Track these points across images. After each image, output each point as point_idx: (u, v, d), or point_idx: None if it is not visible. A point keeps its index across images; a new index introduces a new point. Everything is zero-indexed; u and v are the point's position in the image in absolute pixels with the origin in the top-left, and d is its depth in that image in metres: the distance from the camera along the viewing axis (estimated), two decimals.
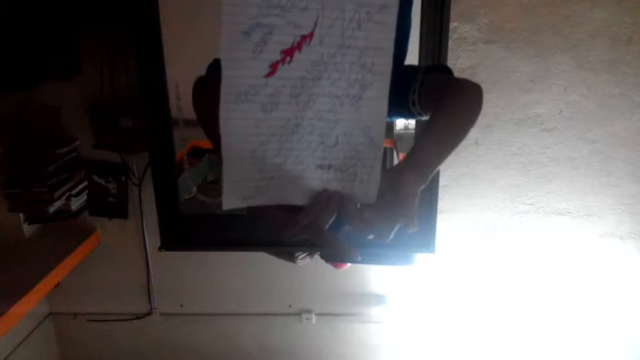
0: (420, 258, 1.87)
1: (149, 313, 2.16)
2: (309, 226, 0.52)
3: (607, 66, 1.74)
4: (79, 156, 1.90)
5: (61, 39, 1.70)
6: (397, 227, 0.55)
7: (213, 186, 1.92)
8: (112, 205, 1.94)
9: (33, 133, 1.84)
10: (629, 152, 1.84)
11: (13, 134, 1.82)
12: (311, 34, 0.49)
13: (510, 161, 1.87)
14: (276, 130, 0.51)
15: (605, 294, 2.03)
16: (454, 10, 1.64)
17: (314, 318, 2.14)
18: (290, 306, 2.15)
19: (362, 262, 1.93)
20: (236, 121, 0.50)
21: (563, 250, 1.98)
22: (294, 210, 0.52)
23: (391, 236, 0.55)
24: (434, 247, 1.82)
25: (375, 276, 2.07)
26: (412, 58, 1.07)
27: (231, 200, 0.51)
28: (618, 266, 1.99)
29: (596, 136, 1.82)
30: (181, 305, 2.16)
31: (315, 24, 0.49)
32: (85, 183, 1.92)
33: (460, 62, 1.74)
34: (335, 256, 1.85)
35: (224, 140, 0.49)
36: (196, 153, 1.86)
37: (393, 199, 0.55)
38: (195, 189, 1.91)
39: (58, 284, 1.87)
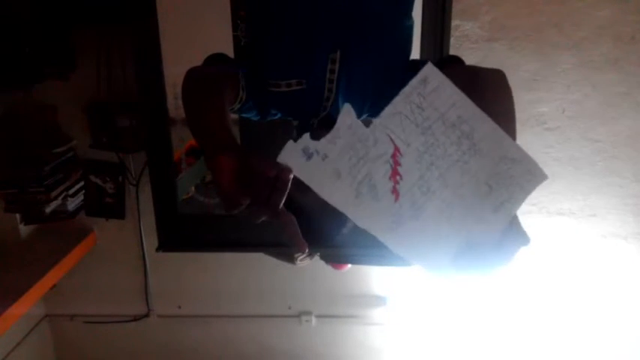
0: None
1: (146, 315, 2.14)
2: (263, 204, 0.54)
3: (611, 64, 1.72)
4: (76, 156, 1.89)
5: (57, 38, 1.69)
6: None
7: (211, 186, 1.90)
8: (109, 206, 1.92)
9: (29, 132, 1.83)
10: (633, 152, 1.82)
11: (10, 134, 1.81)
12: (396, 149, 0.57)
13: None
14: (439, 221, 0.59)
15: (609, 294, 2.01)
16: (456, 8, 1.62)
17: (314, 320, 2.12)
18: (289, 307, 2.13)
19: (362, 263, 1.91)
20: (403, 242, 0.58)
21: (566, 251, 1.96)
22: (247, 188, 0.54)
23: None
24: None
25: (376, 277, 2.05)
26: (414, 56, 1.07)
27: (447, 274, 0.62)
28: (622, 266, 1.97)
29: (599, 136, 1.81)
30: (179, 307, 2.14)
31: (392, 140, 0.56)
32: (82, 183, 1.90)
33: None
34: (335, 257, 1.83)
35: (406, 256, 0.59)
36: (194, 153, 1.84)
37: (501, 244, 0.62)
38: (193, 189, 1.89)
39: (54, 286, 1.86)
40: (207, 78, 0.82)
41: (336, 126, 0.55)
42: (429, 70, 0.56)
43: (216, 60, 0.91)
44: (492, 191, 0.61)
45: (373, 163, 0.56)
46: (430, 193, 0.59)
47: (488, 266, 0.61)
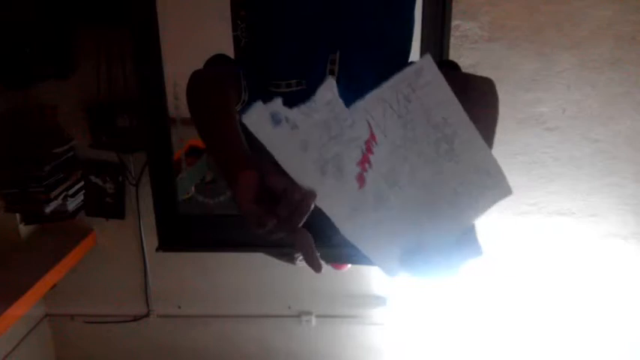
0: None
1: (146, 315, 2.14)
2: (283, 224, 0.53)
3: (610, 64, 1.72)
4: (76, 155, 1.88)
5: (57, 38, 1.69)
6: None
7: (211, 186, 1.90)
8: (109, 206, 1.92)
9: (29, 132, 1.83)
10: (633, 152, 1.82)
11: (10, 134, 1.80)
12: (372, 136, 0.54)
13: (512, 161, 1.85)
14: (398, 216, 0.57)
15: (609, 295, 2.01)
16: (456, 8, 1.62)
17: (314, 320, 2.12)
18: (289, 307, 2.13)
19: (362, 263, 1.91)
20: (359, 231, 0.56)
21: (565, 251, 1.96)
22: (270, 207, 0.53)
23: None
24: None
25: (376, 277, 2.05)
26: (414, 56, 1.07)
27: (393, 272, 0.60)
28: (621, 267, 1.97)
29: (599, 136, 1.81)
30: (179, 307, 2.14)
31: (370, 126, 0.53)
32: (82, 183, 1.90)
33: (462, 60, 1.72)
34: (335, 257, 1.83)
35: (358, 245, 0.56)
36: (194, 152, 1.84)
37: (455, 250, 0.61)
38: (193, 189, 1.89)
39: (54, 285, 1.85)
40: (212, 84, 0.82)
41: (314, 98, 0.51)
42: (426, 62, 0.54)
43: (217, 61, 0.91)
44: (458, 197, 0.59)
45: (345, 145, 0.53)
46: (397, 187, 0.57)
47: (435, 271, 0.61)
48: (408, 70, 0.53)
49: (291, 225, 0.53)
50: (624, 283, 1.99)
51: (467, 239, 0.61)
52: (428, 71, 0.54)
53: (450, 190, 0.59)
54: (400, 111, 0.54)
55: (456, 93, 0.57)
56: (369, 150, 0.54)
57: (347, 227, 0.55)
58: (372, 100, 0.53)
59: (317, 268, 0.57)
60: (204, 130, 0.72)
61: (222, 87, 0.80)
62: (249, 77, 0.86)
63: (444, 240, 0.60)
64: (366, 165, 0.54)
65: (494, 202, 0.61)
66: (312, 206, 0.53)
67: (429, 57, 0.54)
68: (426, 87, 0.54)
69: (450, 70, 0.90)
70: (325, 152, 0.52)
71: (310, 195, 0.52)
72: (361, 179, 0.54)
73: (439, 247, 0.60)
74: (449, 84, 0.56)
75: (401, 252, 0.60)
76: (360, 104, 0.53)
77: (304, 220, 0.53)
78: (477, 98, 0.80)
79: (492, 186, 0.60)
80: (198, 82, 0.82)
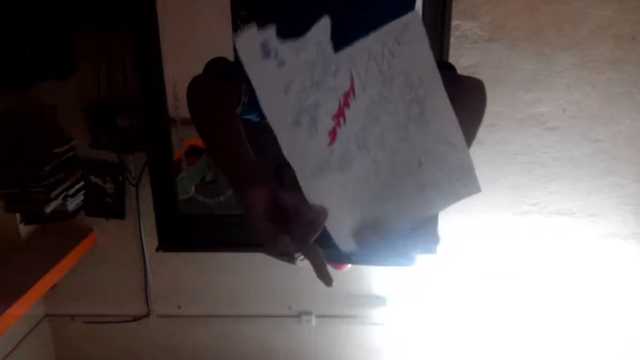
0: (421, 259, 1.85)
1: (146, 315, 2.13)
2: (295, 240, 0.53)
3: (611, 64, 1.72)
4: (76, 156, 1.88)
5: (57, 38, 1.69)
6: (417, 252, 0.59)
7: (211, 186, 1.90)
8: (109, 206, 1.92)
9: (29, 132, 1.83)
10: (633, 152, 1.82)
11: (10, 134, 1.80)
12: (352, 88, 0.51)
13: (513, 161, 1.85)
14: (362, 182, 0.54)
15: (609, 295, 2.01)
16: (456, 8, 1.63)
17: (314, 320, 2.12)
18: (289, 307, 2.12)
19: (362, 263, 1.91)
20: (322, 194, 0.51)
21: (565, 251, 1.96)
22: (282, 221, 0.53)
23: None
24: (435, 247, 1.81)
25: (376, 277, 2.05)
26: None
27: (347, 246, 0.55)
28: (622, 267, 1.97)
29: (599, 136, 1.81)
30: (179, 307, 2.14)
31: (352, 77, 0.51)
32: (82, 183, 1.90)
33: (462, 60, 1.72)
34: (335, 257, 1.83)
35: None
36: (194, 152, 1.84)
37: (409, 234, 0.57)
38: (193, 189, 1.89)
39: (54, 286, 1.85)
40: (213, 91, 0.80)
41: (306, 36, 0.49)
42: (413, 17, 0.52)
43: (216, 66, 0.90)
44: (421, 168, 0.56)
45: (325, 94, 0.50)
46: (365, 149, 0.54)
47: (389, 252, 0.58)
48: (395, 23, 0.52)
49: (304, 242, 0.53)
50: (624, 283, 1.99)
51: (425, 226, 0.58)
52: (414, 26, 0.52)
53: (415, 158, 0.55)
54: (382, 65, 0.52)
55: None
56: (346, 103, 0.51)
57: (309, 187, 0.51)
58: (358, 49, 0.51)
59: (328, 282, 0.56)
60: (208, 139, 0.72)
61: (223, 94, 0.79)
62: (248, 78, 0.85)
63: (402, 221, 0.57)
64: (341, 119, 0.52)
65: (459, 194, 0.57)
66: (324, 223, 0.52)
67: (416, 12, 0.53)
68: (410, 43, 0.52)
69: (444, 70, 0.91)
70: (304, 98, 0.49)
71: (323, 213, 0.51)
72: (333, 135, 0.52)
73: (397, 227, 0.56)
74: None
75: (359, 226, 0.55)
76: (347, 51, 0.51)
77: (315, 236, 0.52)
78: (465, 97, 0.80)
79: (457, 166, 0.56)
80: (198, 91, 0.81)
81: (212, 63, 0.91)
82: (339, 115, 0.51)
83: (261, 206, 0.54)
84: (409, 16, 0.52)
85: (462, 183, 0.56)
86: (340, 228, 0.54)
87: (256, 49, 0.46)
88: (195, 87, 0.82)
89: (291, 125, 0.49)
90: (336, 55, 0.50)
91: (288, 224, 0.52)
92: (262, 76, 0.47)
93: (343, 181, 0.53)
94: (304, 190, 0.51)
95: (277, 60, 0.47)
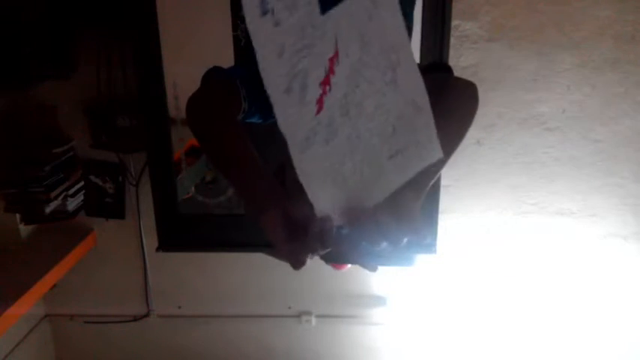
0: (421, 259, 1.85)
1: (147, 315, 2.13)
2: (315, 252, 0.55)
3: (610, 64, 1.72)
4: (76, 156, 1.88)
5: (57, 38, 1.69)
6: (405, 241, 0.57)
7: (211, 186, 1.90)
8: (109, 206, 1.92)
9: (29, 132, 1.83)
10: (633, 152, 1.82)
11: (10, 134, 1.80)
12: (336, 53, 0.51)
13: (513, 161, 1.85)
14: (344, 152, 0.54)
15: (609, 295, 2.01)
16: (456, 8, 1.62)
17: (314, 320, 2.12)
18: (289, 307, 2.12)
19: (362, 263, 1.91)
20: (310, 165, 0.52)
21: (566, 251, 1.96)
22: (301, 241, 0.54)
23: (401, 245, 0.58)
24: (435, 247, 1.81)
25: (376, 277, 2.04)
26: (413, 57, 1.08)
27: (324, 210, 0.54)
28: (621, 267, 1.97)
29: (599, 136, 1.81)
30: (179, 307, 2.14)
31: (336, 41, 0.50)
32: (82, 183, 1.90)
33: (462, 60, 1.72)
34: (335, 257, 1.83)
35: (307, 186, 0.52)
36: (194, 152, 1.84)
37: (396, 219, 0.56)
38: (193, 189, 1.89)
39: (54, 285, 1.85)
40: (213, 107, 0.79)
41: None
42: None
43: (214, 76, 0.89)
44: (394, 135, 0.55)
45: (314, 58, 0.50)
46: (347, 117, 0.53)
47: (371, 239, 0.57)
48: None
49: (323, 249, 0.54)
50: (624, 283, 1.99)
51: (408, 216, 0.57)
52: None
53: (389, 125, 0.55)
54: (362, 29, 0.51)
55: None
56: (331, 70, 0.51)
57: (302, 161, 0.51)
58: (343, 10, 0.50)
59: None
60: (216, 159, 0.72)
61: (223, 109, 0.78)
62: (250, 80, 0.85)
63: (381, 193, 0.56)
64: (327, 87, 0.51)
65: (422, 144, 0.56)
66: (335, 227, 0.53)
67: None
68: (385, 5, 0.52)
69: (442, 72, 0.92)
70: (297, 62, 0.49)
71: (329, 224, 0.53)
72: (320, 103, 0.51)
73: (375, 209, 0.55)
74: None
75: (343, 204, 0.55)
76: (333, 12, 0.50)
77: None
78: (456, 98, 0.81)
79: (422, 126, 0.55)
80: (198, 111, 0.79)
81: (208, 74, 0.89)
82: (326, 82, 0.51)
83: (279, 230, 0.55)
84: None
85: (426, 146, 0.56)
86: (326, 204, 0.54)
87: (256, 4, 0.47)
88: (195, 106, 0.79)
89: (283, 92, 0.49)
90: (323, 17, 0.50)
91: (306, 238, 0.54)
92: (261, 34, 0.47)
93: (327, 154, 0.53)
94: (297, 166, 0.51)
95: (274, 19, 0.47)
